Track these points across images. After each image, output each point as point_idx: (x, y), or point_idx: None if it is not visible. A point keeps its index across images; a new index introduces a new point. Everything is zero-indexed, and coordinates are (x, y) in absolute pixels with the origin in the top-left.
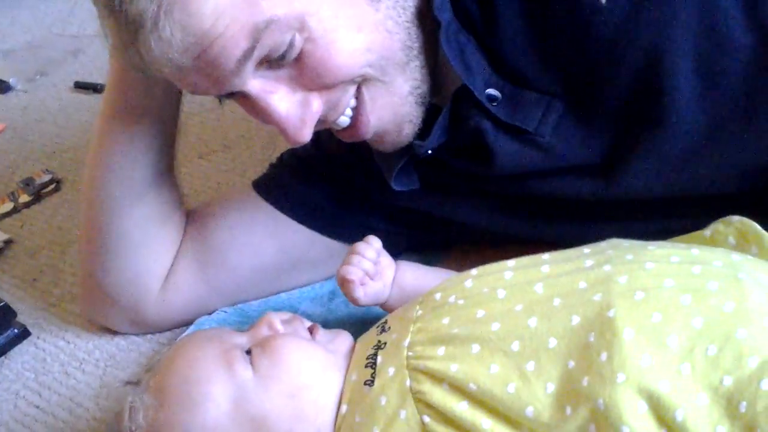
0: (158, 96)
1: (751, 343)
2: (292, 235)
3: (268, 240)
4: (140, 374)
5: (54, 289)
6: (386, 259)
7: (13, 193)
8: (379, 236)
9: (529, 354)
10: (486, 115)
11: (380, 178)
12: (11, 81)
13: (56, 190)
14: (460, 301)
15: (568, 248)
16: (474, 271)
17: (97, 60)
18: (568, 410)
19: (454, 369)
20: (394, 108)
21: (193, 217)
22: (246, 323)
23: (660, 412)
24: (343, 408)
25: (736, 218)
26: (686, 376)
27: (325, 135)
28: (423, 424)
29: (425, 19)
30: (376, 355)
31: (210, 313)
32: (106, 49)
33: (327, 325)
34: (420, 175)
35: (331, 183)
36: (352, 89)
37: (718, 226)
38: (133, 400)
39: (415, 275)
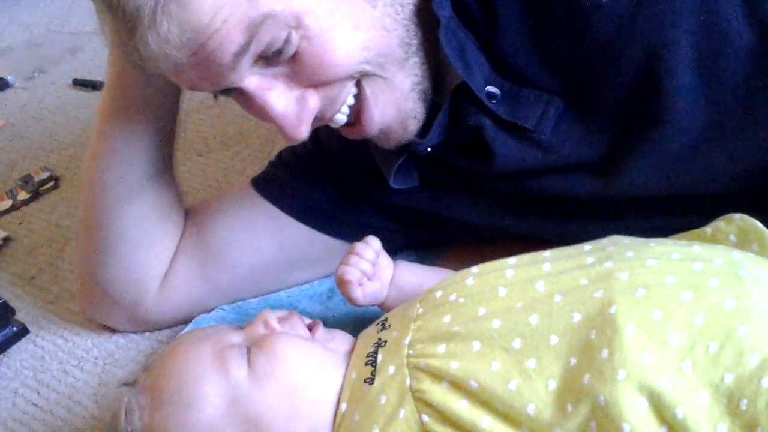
0: (157, 93)
1: (752, 340)
2: (290, 233)
3: (267, 238)
4: (137, 374)
5: (52, 286)
6: (385, 259)
7: (11, 191)
8: (378, 234)
9: (531, 351)
10: (485, 112)
11: (379, 176)
12: (10, 78)
13: (55, 187)
14: (461, 300)
15: (568, 246)
16: (475, 269)
17: (95, 57)
18: (569, 407)
19: (454, 366)
20: (397, 104)
21: (191, 215)
22: (245, 321)
23: (660, 409)
24: (343, 406)
25: (737, 216)
26: (687, 374)
27: (324, 133)
28: (422, 423)
29: (425, 16)
30: (376, 353)
31: (209, 311)
32: (104, 46)
33: (326, 323)
34: (419, 173)
35: (330, 181)
36: (350, 85)
37: (719, 224)
38: (129, 401)
39: (413, 275)
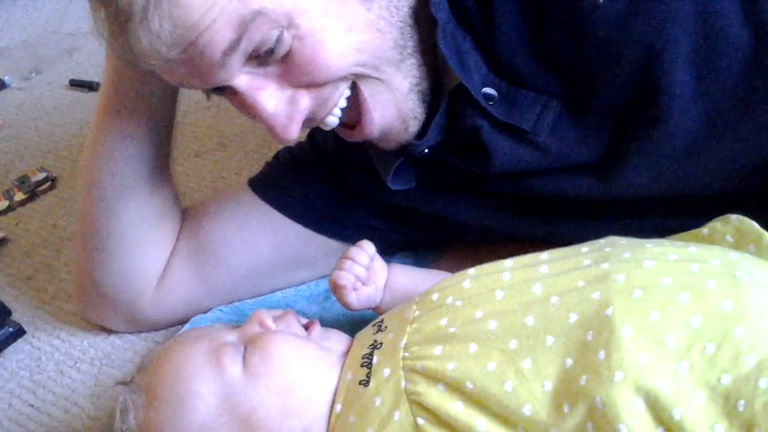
0: (154, 93)
1: (749, 341)
2: (287, 234)
3: (264, 238)
4: (133, 373)
5: (49, 287)
6: (379, 263)
7: (8, 191)
8: (375, 235)
9: (526, 352)
10: (482, 114)
11: (376, 177)
12: (6, 79)
13: (51, 188)
14: (458, 302)
15: (565, 247)
16: (471, 271)
17: (92, 58)
18: (566, 408)
19: (450, 367)
20: (397, 105)
21: (188, 215)
22: (241, 322)
23: (657, 410)
24: (337, 407)
25: (734, 216)
26: (684, 375)
27: (320, 133)
28: (417, 425)
29: (422, 17)
30: (371, 354)
31: (205, 312)
32: (101, 46)
33: (322, 323)
34: (416, 174)
35: (327, 181)
36: (343, 87)
37: (715, 225)
38: (124, 400)
39: (408, 278)
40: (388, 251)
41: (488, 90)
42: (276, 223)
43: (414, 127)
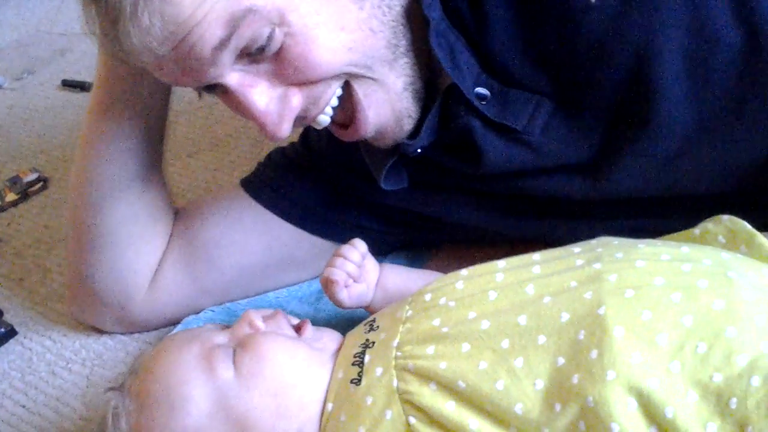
0: (146, 92)
1: (741, 340)
2: (280, 234)
3: (256, 238)
4: (124, 377)
5: (41, 288)
6: (370, 261)
7: None
8: (368, 235)
9: (518, 351)
10: (475, 113)
11: (369, 177)
12: None
13: (43, 188)
14: (451, 303)
15: (557, 247)
16: (464, 272)
17: (84, 58)
18: (558, 407)
19: (442, 367)
20: (391, 104)
21: (180, 215)
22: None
23: (650, 409)
24: (329, 406)
25: (725, 217)
26: (676, 374)
27: (313, 133)
28: (409, 425)
29: (414, 17)
30: (363, 353)
31: (197, 313)
32: (94, 47)
33: (314, 324)
34: (409, 174)
35: (319, 182)
36: (335, 86)
37: (707, 225)
38: (116, 406)
39: (399, 278)
40: (380, 252)
41: (481, 90)
42: (268, 223)
43: (408, 125)
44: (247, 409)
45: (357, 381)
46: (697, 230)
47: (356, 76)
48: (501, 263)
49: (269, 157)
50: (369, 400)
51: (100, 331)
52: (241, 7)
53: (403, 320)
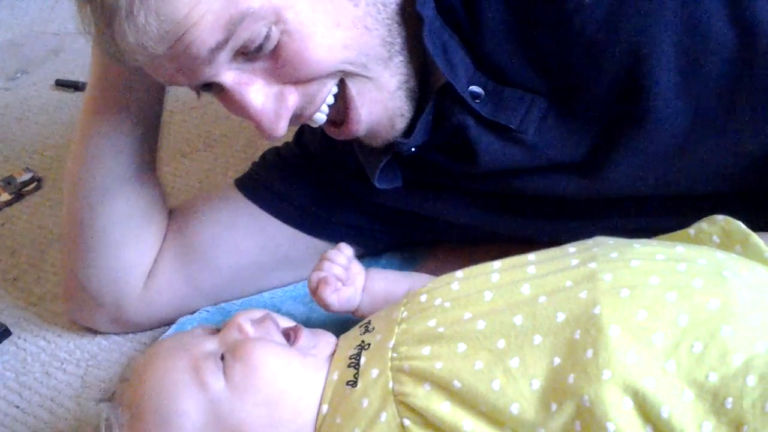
0: (140, 91)
1: (736, 340)
2: (274, 234)
3: (251, 238)
4: (115, 385)
5: (35, 288)
6: (357, 266)
7: None
8: (362, 235)
9: (514, 351)
10: (469, 112)
11: (363, 177)
12: None
13: (37, 188)
14: (447, 304)
15: (552, 246)
16: (459, 273)
17: (78, 58)
18: (554, 407)
19: (438, 367)
20: (384, 102)
21: (175, 215)
22: None
23: (645, 408)
24: (324, 408)
25: (720, 217)
26: (671, 373)
27: (308, 133)
28: (403, 427)
29: (409, 15)
30: (359, 355)
31: (192, 313)
32: (87, 46)
33: (309, 323)
34: (403, 173)
35: (313, 181)
36: (331, 84)
37: (702, 225)
38: (108, 417)
39: (386, 282)
40: (375, 251)
41: (475, 88)
42: (263, 223)
43: (401, 124)
44: (241, 421)
45: (353, 383)
46: (692, 230)
47: (351, 75)
48: (496, 264)
49: (264, 157)
50: (365, 402)
51: (95, 332)
52: (238, 11)
53: (399, 321)
